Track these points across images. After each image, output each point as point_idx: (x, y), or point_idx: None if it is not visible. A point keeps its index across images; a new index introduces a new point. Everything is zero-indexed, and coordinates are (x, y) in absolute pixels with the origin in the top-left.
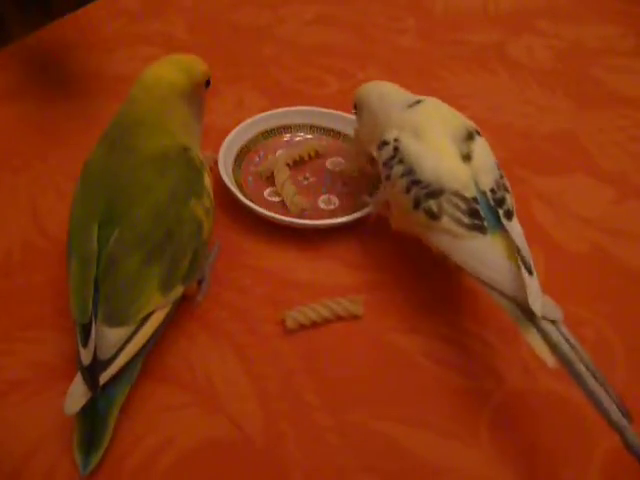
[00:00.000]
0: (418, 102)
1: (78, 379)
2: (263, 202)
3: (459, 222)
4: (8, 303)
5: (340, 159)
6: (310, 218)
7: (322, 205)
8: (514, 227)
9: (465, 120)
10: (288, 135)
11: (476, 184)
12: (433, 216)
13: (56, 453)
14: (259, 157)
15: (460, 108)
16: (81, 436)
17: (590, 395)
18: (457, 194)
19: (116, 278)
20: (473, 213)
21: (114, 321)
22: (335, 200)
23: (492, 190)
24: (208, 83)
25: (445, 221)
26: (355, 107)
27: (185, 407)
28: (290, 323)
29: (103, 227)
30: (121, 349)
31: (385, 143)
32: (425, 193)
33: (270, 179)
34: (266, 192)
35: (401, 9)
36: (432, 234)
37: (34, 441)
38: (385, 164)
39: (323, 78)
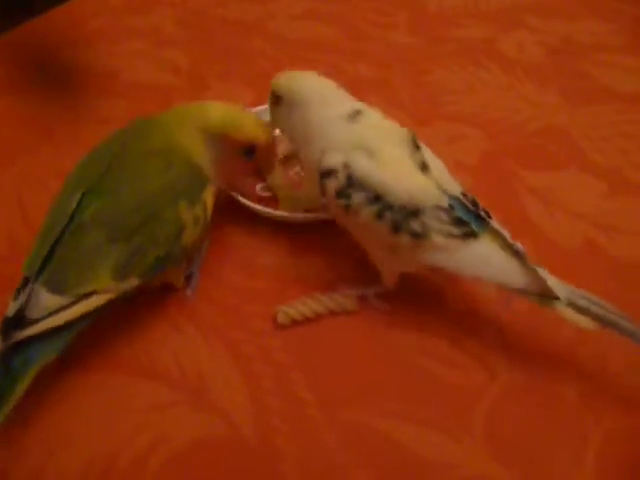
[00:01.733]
0: (358, 113)
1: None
2: (255, 196)
3: (449, 234)
4: None
5: None
6: (303, 212)
7: None
8: (495, 223)
9: (403, 128)
10: (276, 130)
11: (444, 192)
12: (419, 236)
13: (47, 449)
14: None
15: (451, 104)
16: None
17: (632, 335)
18: (436, 207)
19: (74, 246)
20: (458, 221)
21: (54, 286)
22: None
23: (463, 194)
24: (248, 152)
25: (434, 237)
26: (276, 99)
27: (176, 405)
28: (282, 318)
29: (87, 195)
30: (50, 315)
31: (331, 172)
32: (403, 216)
33: (260, 175)
34: (258, 187)
35: (391, 4)
36: (423, 254)
37: (28, 437)
38: (339, 194)
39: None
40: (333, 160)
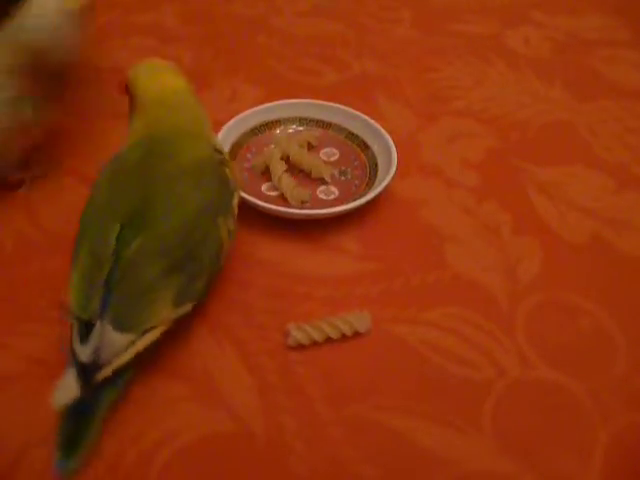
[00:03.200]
0: None
1: (70, 374)
2: (262, 197)
3: None
4: (0, 296)
5: (333, 149)
6: (311, 209)
7: (322, 195)
8: None
9: None
10: (279, 129)
11: None
12: None
13: (50, 449)
14: (251, 153)
15: (457, 99)
16: (64, 436)
17: None
18: None
19: (133, 283)
20: None
21: (121, 325)
22: (334, 190)
23: None
24: None
25: None
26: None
27: (185, 401)
28: (292, 342)
29: (126, 229)
30: (121, 354)
31: None
32: None
33: (265, 174)
34: (264, 187)
35: (396, 0)
36: None
37: (28, 437)
38: None
39: (319, 68)
40: None
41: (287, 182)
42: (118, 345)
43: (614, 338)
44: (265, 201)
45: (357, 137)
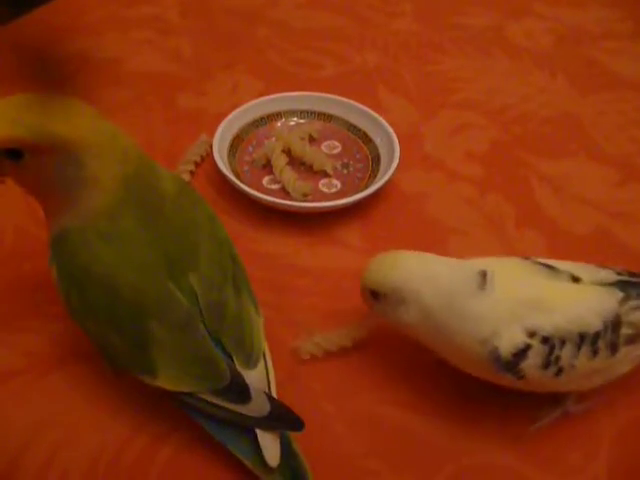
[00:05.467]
0: (483, 273)
1: (263, 435)
2: (263, 190)
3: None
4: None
5: (335, 142)
6: (313, 202)
7: (324, 189)
8: None
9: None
10: (280, 122)
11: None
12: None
13: (53, 443)
14: (252, 146)
15: (459, 92)
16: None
17: None
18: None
19: (229, 320)
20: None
21: (253, 361)
22: (337, 183)
23: None
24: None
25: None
26: (374, 295)
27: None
28: (304, 354)
29: (175, 279)
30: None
31: (524, 349)
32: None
33: (266, 167)
34: (265, 180)
35: None
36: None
37: (30, 431)
38: (546, 365)
39: (319, 61)
40: (517, 337)
41: (289, 175)
42: (260, 381)
43: None
44: (267, 194)
45: (359, 130)
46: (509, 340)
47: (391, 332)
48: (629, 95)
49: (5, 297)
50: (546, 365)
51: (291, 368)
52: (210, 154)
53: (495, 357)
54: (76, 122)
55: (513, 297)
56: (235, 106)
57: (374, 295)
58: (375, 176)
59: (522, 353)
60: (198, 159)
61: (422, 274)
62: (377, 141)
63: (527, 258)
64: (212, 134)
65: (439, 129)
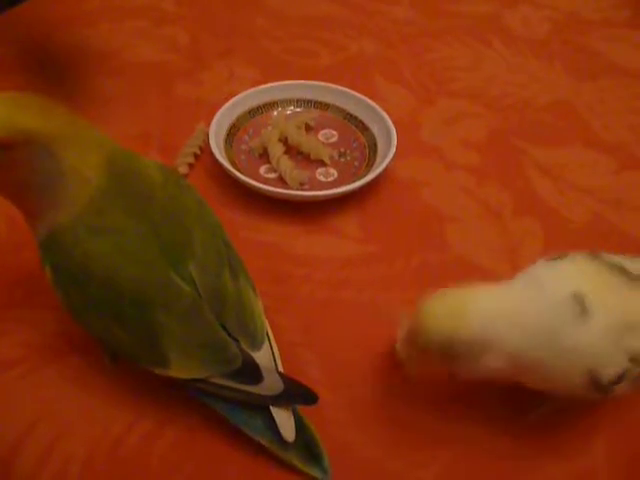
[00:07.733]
0: (579, 300)
1: (278, 412)
2: (260, 179)
3: None
4: None
5: (332, 131)
6: (310, 191)
7: (321, 177)
8: None
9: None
10: (276, 111)
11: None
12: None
13: (52, 433)
14: (248, 135)
15: (456, 80)
16: (302, 457)
17: None
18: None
19: (230, 305)
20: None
21: (258, 342)
22: (333, 172)
23: None
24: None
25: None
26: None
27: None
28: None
29: (174, 268)
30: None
31: (620, 377)
32: None
33: (263, 156)
34: (262, 169)
35: None
36: None
37: (29, 421)
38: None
39: (315, 50)
40: (622, 365)
41: (286, 164)
42: (269, 360)
43: None
44: (263, 183)
45: (356, 118)
46: (614, 369)
47: (385, 314)
48: (626, 82)
49: (1, 287)
50: (635, 383)
51: (289, 355)
52: (208, 144)
53: (594, 383)
54: (46, 116)
55: (613, 322)
56: (231, 95)
57: (444, 355)
58: (372, 165)
59: (620, 378)
60: (197, 150)
61: (501, 315)
62: (374, 130)
63: (596, 256)
64: (209, 123)
65: (436, 117)
